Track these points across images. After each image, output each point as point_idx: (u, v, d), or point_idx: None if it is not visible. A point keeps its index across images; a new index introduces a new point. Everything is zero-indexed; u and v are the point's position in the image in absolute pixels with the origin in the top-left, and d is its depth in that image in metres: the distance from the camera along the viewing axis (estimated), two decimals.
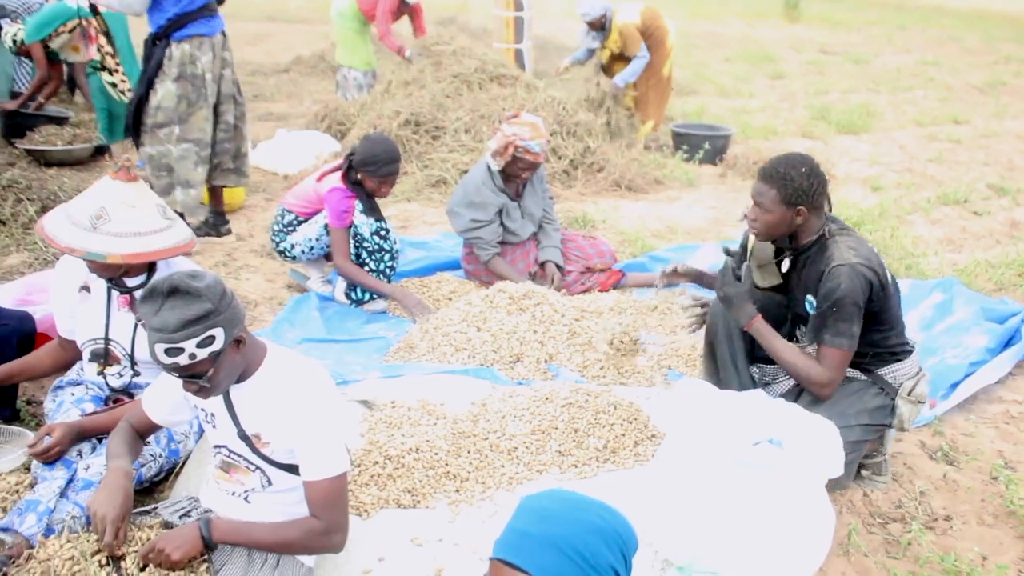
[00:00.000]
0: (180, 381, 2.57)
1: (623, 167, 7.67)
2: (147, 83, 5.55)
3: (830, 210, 3.53)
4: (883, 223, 6.94)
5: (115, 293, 3.44)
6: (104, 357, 3.51)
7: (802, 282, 3.51)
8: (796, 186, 3.31)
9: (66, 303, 3.50)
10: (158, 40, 5.52)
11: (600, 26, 8.88)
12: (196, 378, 2.49)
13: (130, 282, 3.42)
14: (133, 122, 5.65)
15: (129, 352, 3.49)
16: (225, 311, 2.47)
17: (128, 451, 2.92)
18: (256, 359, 2.67)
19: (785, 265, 3.57)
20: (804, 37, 19.91)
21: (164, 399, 2.91)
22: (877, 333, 3.42)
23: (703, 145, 8.48)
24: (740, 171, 8.25)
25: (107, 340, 3.47)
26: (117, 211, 3.17)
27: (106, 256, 3.14)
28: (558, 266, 5.28)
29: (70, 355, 3.63)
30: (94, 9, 5.92)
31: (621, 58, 8.90)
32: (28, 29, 7.46)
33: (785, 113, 11.60)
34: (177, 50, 5.49)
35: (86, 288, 3.45)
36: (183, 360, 2.42)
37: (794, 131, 10.48)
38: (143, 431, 3.02)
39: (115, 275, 3.35)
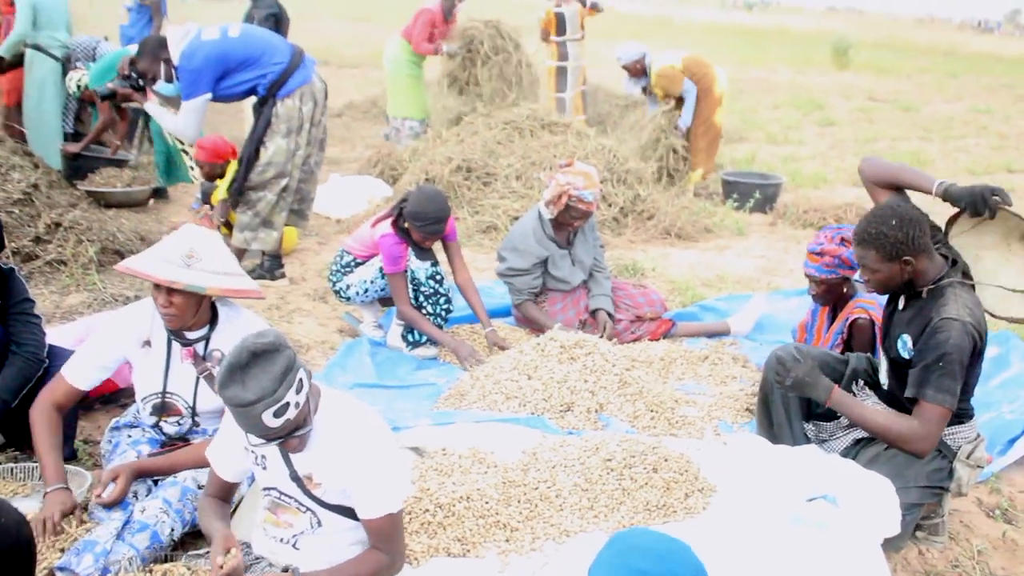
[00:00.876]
0: (247, 435, 2.59)
1: (673, 215, 7.69)
2: (256, 141, 5.75)
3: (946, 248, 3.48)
4: None
5: (176, 347, 3.48)
6: (163, 410, 3.56)
7: (903, 321, 3.45)
8: (892, 240, 3.28)
9: (109, 355, 3.50)
10: (264, 102, 5.71)
11: (640, 71, 9.03)
12: (304, 426, 2.57)
13: (191, 335, 3.47)
14: (242, 178, 5.83)
15: (191, 405, 3.53)
16: (294, 351, 2.54)
17: (220, 518, 2.96)
18: (311, 401, 2.72)
19: (901, 302, 3.51)
20: (853, 84, 19.87)
21: (228, 455, 2.95)
22: None
23: (753, 194, 8.47)
24: (790, 220, 8.22)
25: (165, 394, 3.52)
26: (206, 252, 3.27)
27: (206, 288, 3.22)
28: (609, 314, 5.28)
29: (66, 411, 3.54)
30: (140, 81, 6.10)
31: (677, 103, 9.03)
32: (92, 75, 7.65)
33: (835, 161, 11.55)
34: (282, 107, 5.71)
35: (148, 343, 3.49)
36: (291, 413, 2.49)
37: (844, 179, 10.42)
38: (223, 495, 3.06)
39: (187, 323, 3.40)
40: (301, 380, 2.50)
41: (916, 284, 3.38)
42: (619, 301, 5.39)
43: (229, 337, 3.38)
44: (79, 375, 3.44)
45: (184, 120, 5.76)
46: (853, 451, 3.54)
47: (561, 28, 10.47)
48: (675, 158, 8.89)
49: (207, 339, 3.48)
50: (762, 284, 6.60)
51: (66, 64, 8.22)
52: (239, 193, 5.91)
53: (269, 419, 2.46)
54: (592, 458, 3.60)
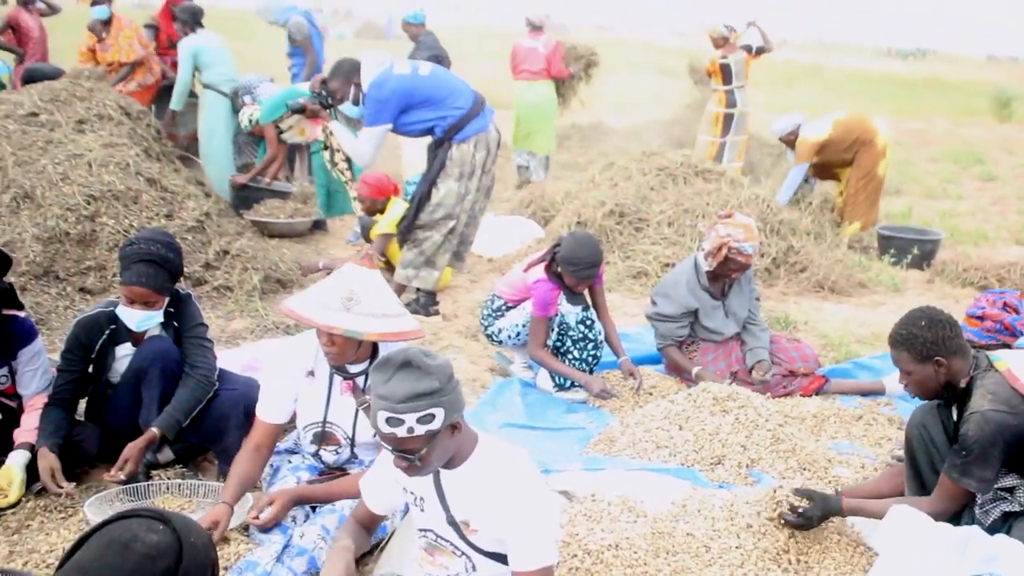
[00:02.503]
0: (392, 462, 2.67)
1: (827, 268, 7.54)
2: (430, 183, 5.93)
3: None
4: None
5: (337, 379, 3.60)
6: (323, 439, 3.68)
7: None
8: (922, 341, 3.35)
9: (287, 385, 3.63)
10: (441, 144, 5.88)
11: (795, 143, 9.00)
12: (408, 454, 2.57)
13: (353, 368, 3.58)
14: (412, 216, 6.01)
15: (350, 436, 3.64)
16: (449, 393, 2.57)
17: (352, 540, 3.04)
18: (467, 447, 2.75)
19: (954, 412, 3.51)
20: (1016, 138, 19.10)
21: (379, 489, 3.01)
22: None
23: (911, 249, 8.25)
24: (949, 278, 7.95)
25: (325, 423, 3.64)
26: (365, 294, 3.35)
27: (363, 333, 3.30)
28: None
29: (266, 452, 3.69)
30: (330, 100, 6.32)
31: (836, 165, 8.91)
32: (263, 110, 8.01)
33: (996, 218, 11.15)
34: (457, 151, 5.87)
35: (311, 373, 3.61)
36: (401, 432, 2.51)
37: (1006, 237, 10.05)
38: (367, 523, 3.14)
39: (348, 360, 3.51)
40: (432, 415, 2.51)
41: (954, 386, 3.42)
42: (772, 354, 5.31)
43: None
44: (269, 410, 3.61)
45: (363, 145, 5.97)
46: (1004, 525, 3.42)
47: (727, 78, 10.46)
48: (827, 211, 8.74)
49: (367, 373, 3.58)
50: None
51: (234, 100, 8.63)
52: (408, 231, 6.07)
53: (382, 421, 2.51)
54: (743, 514, 3.55)
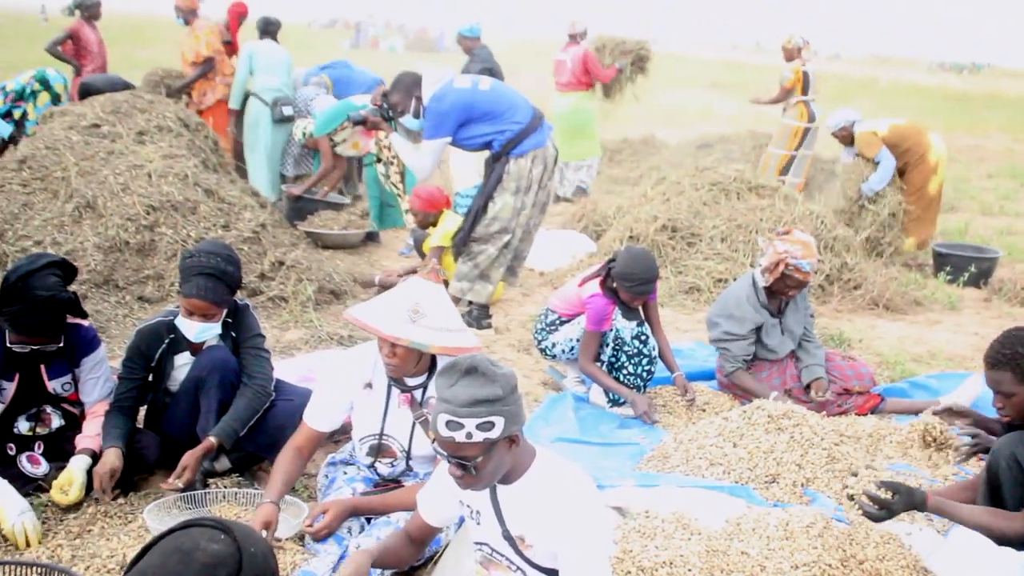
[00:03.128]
0: (448, 474, 2.69)
1: (881, 285, 7.46)
2: (487, 196, 5.98)
3: None
4: None
5: (395, 391, 3.63)
6: (379, 451, 3.70)
7: None
8: None
9: (342, 395, 3.68)
10: (498, 158, 5.93)
11: (848, 139, 8.88)
12: (464, 461, 2.59)
13: (411, 381, 3.60)
14: (468, 229, 6.07)
15: (406, 448, 3.67)
16: (511, 404, 2.58)
17: (381, 548, 3.08)
18: (524, 462, 2.76)
19: None
20: None
21: (437, 502, 3.03)
22: None
23: (968, 267, 8.13)
24: (1007, 297, 7.83)
25: (382, 435, 3.66)
26: (431, 307, 3.38)
27: (428, 346, 3.33)
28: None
29: (307, 455, 3.73)
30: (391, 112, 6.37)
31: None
32: (317, 124, 8.12)
33: None
34: (514, 165, 5.90)
35: (369, 385, 3.64)
36: (459, 436, 2.52)
37: None
38: (420, 536, 3.15)
39: (408, 372, 3.54)
40: (492, 423, 2.53)
41: None
42: (827, 372, 5.26)
43: None
44: (318, 418, 3.65)
45: (422, 158, 6.03)
46: None
47: (807, 87, 10.39)
48: (883, 226, 8.63)
49: (425, 386, 3.61)
50: (975, 363, 6.29)
51: (273, 109, 8.76)
52: (463, 244, 6.11)
53: (442, 424, 2.53)
54: (799, 534, 3.52)
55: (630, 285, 4.92)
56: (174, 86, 9.40)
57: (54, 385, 3.94)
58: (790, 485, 4.11)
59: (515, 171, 5.91)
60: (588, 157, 11.52)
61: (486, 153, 6.14)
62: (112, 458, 3.75)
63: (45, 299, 3.65)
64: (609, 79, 11.41)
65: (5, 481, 3.62)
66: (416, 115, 6.02)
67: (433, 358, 3.61)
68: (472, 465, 2.59)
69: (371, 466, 3.76)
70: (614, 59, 11.45)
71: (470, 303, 6.23)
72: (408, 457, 3.69)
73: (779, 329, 5.21)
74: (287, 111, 8.78)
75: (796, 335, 5.26)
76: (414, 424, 3.62)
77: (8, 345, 3.76)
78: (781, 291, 5.09)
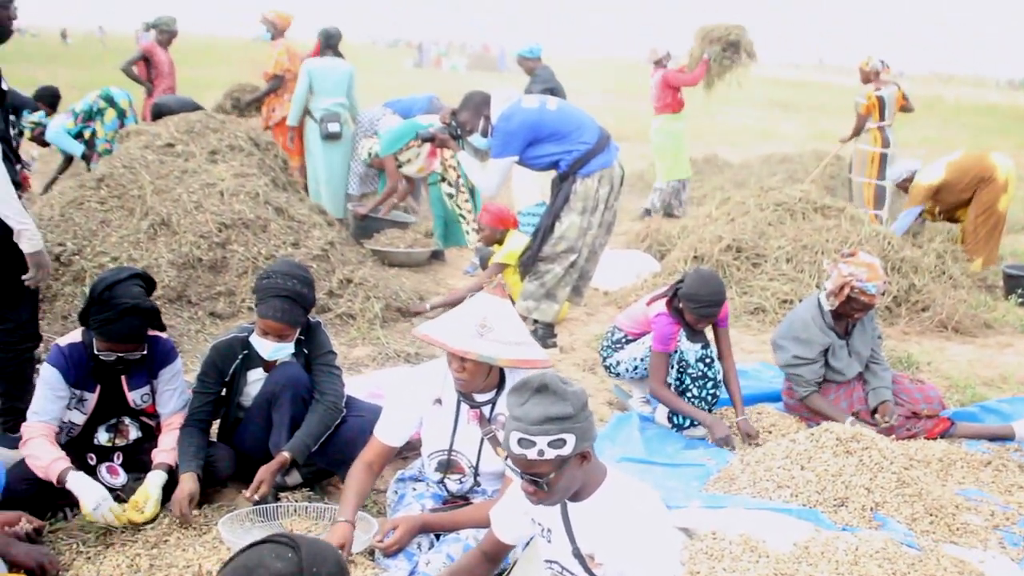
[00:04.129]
0: (520, 486, 2.72)
1: (950, 307, 7.36)
2: (554, 215, 6.02)
3: None
4: None
5: (464, 408, 3.67)
6: (448, 467, 3.74)
7: None
8: None
9: (412, 411, 3.73)
10: (565, 178, 5.97)
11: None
12: (537, 477, 2.62)
13: (480, 397, 3.64)
14: (536, 249, 6.09)
15: (474, 464, 3.70)
16: (582, 421, 2.61)
17: (452, 570, 3.14)
18: (595, 479, 2.78)
19: None
20: None
21: (510, 519, 3.06)
22: None
23: None
24: None
25: (451, 451, 3.71)
26: (498, 321, 3.42)
27: (497, 359, 3.37)
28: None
29: (377, 470, 3.79)
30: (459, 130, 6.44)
31: (957, 207, 8.76)
32: (383, 143, 8.22)
33: None
34: (581, 185, 5.94)
35: (439, 401, 3.69)
36: (531, 454, 2.56)
37: None
38: (494, 553, 3.18)
39: (477, 387, 3.58)
40: (563, 440, 2.56)
41: None
42: (895, 395, 5.21)
43: None
44: (389, 433, 3.70)
45: (489, 176, 6.07)
46: None
47: (883, 112, 10.29)
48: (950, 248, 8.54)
49: (493, 403, 3.64)
50: None
51: (320, 125, 8.85)
52: (530, 263, 6.15)
53: (514, 442, 2.56)
54: (868, 559, 3.50)
55: (695, 307, 4.91)
56: (244, 100, 9.58)
57: (134, 396, 4.05)
58: (859, 509, 4.07)
59: (582, 191, 5.93)
60: (673, 178, 11.43)
61: (549, 172, 6.18)
62: (190, 484, 3.82)
63: (131, 306, 3.78)
64: (699, 78, 11.19)
65: (82, 472, 3.74)
66: (484, 134, 6.08)
67: (502, 375, 3.65)
68: (544, 482, 2.62)
69: (440, 482, 3.80)
70: (702, 50, 11.13)
71: (535, 322, 6.25)
72: (476, 473, 3.72)
73: (847, 351, 5.16)
74: (333, 128, 8.78)
75: (863, 357, 5.20)
76: (482, 440, 3.66)
77: (96, 352, 3.87)
78: (847, 314, 5.05)
